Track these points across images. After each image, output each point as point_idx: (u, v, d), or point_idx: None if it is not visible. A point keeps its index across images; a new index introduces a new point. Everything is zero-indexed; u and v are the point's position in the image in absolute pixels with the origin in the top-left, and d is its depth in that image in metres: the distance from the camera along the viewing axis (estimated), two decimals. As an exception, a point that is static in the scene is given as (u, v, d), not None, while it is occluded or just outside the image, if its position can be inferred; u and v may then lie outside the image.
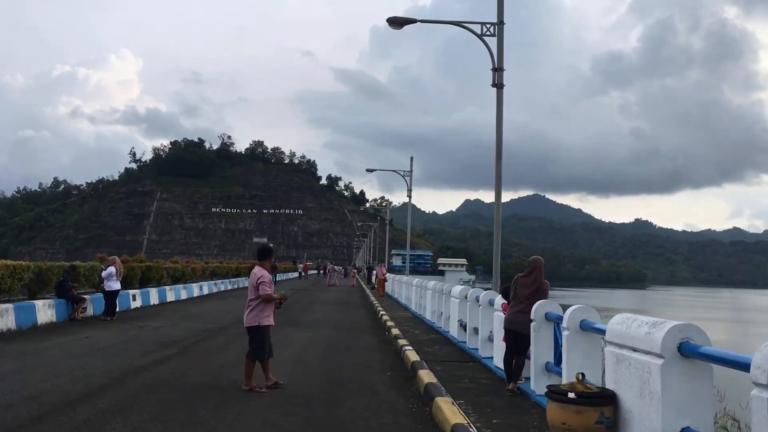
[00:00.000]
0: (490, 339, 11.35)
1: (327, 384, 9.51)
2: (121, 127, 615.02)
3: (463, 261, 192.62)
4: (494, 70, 13.99)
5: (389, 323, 18.46)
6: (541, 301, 8.11)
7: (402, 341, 14.04)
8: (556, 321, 7.78)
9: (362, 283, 57.79)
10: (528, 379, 8.48)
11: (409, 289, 25.89)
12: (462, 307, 13.78)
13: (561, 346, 7.36)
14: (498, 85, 13.96)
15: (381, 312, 22.68)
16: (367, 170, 39.82)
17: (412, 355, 11.70)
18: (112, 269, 18.55)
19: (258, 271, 9.12)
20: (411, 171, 35.26)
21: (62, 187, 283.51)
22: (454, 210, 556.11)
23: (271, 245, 10.05)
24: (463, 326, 13.77)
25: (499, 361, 10.11)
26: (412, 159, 35.47)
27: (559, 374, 7.49)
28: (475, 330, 12.63)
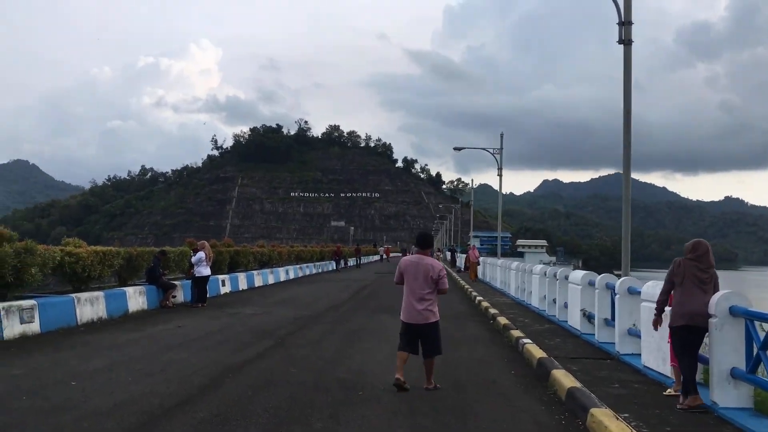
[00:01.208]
0: (631, 333, 9.82)
1: (448, 384, 8.26)
2: (203, 115, 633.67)
3: (543, 242, 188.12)
4: (621, 24, 12.27)
5: (491, 310, 17.10)
6: (723, 292, 6.55)
7: (515, 332, 12.67)
8: (747, 317, 6.23)
9: (446, 266, 56.46)
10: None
11: (506, 273, 24.36)
12: (586, 294, 12.24)
13: (758, 347, 5.85)
14: (625, 42, 12.25)
15: (478, 298, 21.31)
16: (455, 149, 38.02)
17: (535, 350, 10.32)
18: (201, 254, 17.90)
19: (431, 261, 8.05)
20: (501, 148, 33.50)
21: (149, 174, 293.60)
22: (531, 191, 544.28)
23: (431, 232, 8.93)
24: (586, 316, 12.25)
25: (650, 361, 8.60)
26: (502, 135, 33.66)
27: (753, 383, 5.98)
28: (606, 321, 11.11)
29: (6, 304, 11.17)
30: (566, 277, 14.12)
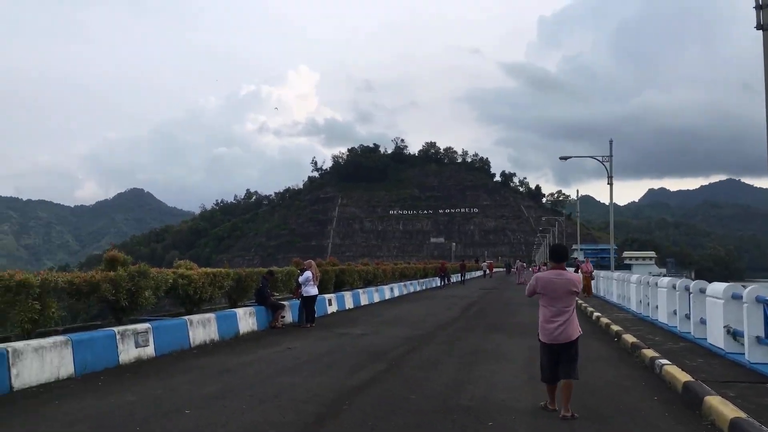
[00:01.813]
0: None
1: (585, 413, 7.38)
2: (303, 138, 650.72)
3: (652, 254, 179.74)
4: (758, 8, 11.03)
5: (614, 327, 15.89)
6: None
7: (648, 351, 11.53)
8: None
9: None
10: None
11: (624, 287, 22.85)
12: (730, 308, 10.93)
13: None
14: (764, 27, 10.97)
15: (595, 314, 20.02)
16: (561, 158, 36.54)
17: (678, 373, 9.21)
18: (308, 274, 17.68)
19: (570, 275, 7.50)
20: (611, 155, 31.81)
21: (254, 198, 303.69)
22: (636, 200, 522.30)
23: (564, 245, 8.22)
24: (731, 333, 10.94)
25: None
26: (611, 142, 31.96)
27: None
28: (758, 339, 9.83)
29: (122, 328, 11.19)
30: (702, 290, 12.80)
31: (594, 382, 9.44)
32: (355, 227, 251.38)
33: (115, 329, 11.02)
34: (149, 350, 11.73)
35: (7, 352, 8.63)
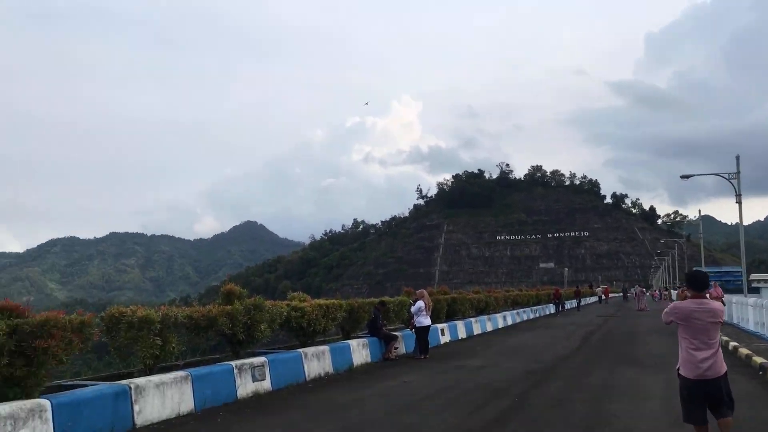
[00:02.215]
0: None
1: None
2: (407, 166, 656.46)
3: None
4: None
5: (756, 359, 14.43)
6: None
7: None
8: None
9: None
10: None
11: (763, 313, 20.93)
12: None
13: None
14: None
15: (732, 343, 18.35)
16: (682, 177, 34.44)
17: None
18: (420, 304, 17.27)
19: (714, 305, 6.72)
20: (738, 172, 29.60)
21: (361, 227, 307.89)
22: (762, 219, 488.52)
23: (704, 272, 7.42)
24: None
25: None
26: (738, 158, 29.73)
27: None
28: None
29: (239, 362, 11.15)
30: None
31: (751, 422, 8.42)
32: (462, 254, 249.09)
33: (233, 363, 10.99)
34: (266, 384, 11.63)
35: (130, 388, 8.70)
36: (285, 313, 12.93)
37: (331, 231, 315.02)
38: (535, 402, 10.34)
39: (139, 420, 8.72)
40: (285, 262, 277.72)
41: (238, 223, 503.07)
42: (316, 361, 13.54)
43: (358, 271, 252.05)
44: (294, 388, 12.18)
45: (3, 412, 6.86)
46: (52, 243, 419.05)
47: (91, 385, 8.79)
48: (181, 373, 9.77)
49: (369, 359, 15.96)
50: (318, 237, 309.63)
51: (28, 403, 7.20)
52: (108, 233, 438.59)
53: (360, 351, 15.64)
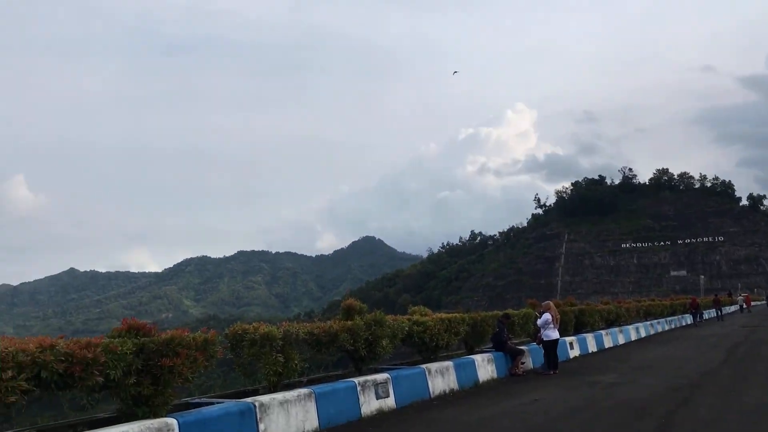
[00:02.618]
0: None
1: None
2: (524, 176, 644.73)
3: None
4: None
5: None
6: None
7: None
8: None
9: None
10: None
11: None
12: None
13: None
14: None
15: None
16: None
17: None
18: (547, 316, 16.42)
19: None
20: None
21: (478, 239, 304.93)
22: None
23: None
24: None
25: None
26: None
27: None
28: None
29: (362, 378, 10.89)
30: None
31: None
32: (585, 263, 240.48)
33: (356, 380, 10.74)
34: (390, 402, 11.30)
35: (255, 406, 8.60)
36: (406, 328, 12.58)
37: (448, 243, 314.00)
38: (684, 424, 9.35)
39: (265, 439, 8.60)
40: (403, 275, 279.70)
41: (357, 239, 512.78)
42: (440, 378, 13.08)
43: (477, 284, 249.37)
44: (418, 405, 11.77)
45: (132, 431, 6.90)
46: (187, 262, 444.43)
47: (218, 402, 8.78)
48: (304, 391, 9.61)
49: (495, 375, 15.31)
50: (435, 250, 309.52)
51: (156, 422, 7.22)
52: (236, 252, 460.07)
53: (485, 366, 15.03)
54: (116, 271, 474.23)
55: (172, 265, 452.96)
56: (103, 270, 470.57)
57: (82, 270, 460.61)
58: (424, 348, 13.56)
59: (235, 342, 9.60)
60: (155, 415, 7.44)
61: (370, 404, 10.79)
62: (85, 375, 6.46)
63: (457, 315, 14.56)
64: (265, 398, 8.90)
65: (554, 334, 16.42)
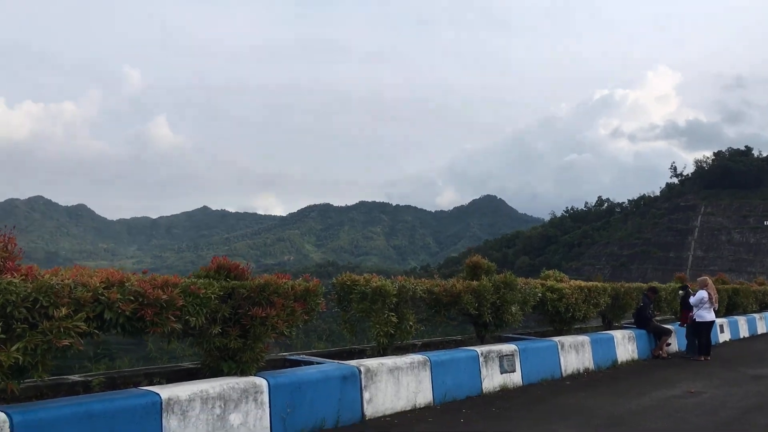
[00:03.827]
0: None
1: None
2: (660, 142, 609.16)
3: None
4: None
5: None
6: None
7: None
8: None
9: None
10: None
11: None
12: None
13: None
14: None
15: None
16: None
17: None
18: (703, 294, 14.10)
19: None
20: None
21: (605, 205, 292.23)
22: None
23: None
24: None
25: None
26: None
27: None
28: None
29: (485, 348, 9.37)
30: None
31: None
32: (722, 239, 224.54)
33: (478, 349, 9.24)
34: (515, 377, 9.74)
35: (360, 371, 7.31)
36: (540, 294, 10.87)
37: (572, 208, 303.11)
38: None
39: (369, 410, 7.31)
40: (524, 237, 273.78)
41: (477, 197, 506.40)
42: (574, 354, 11.32)
43: (600, 251, 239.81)
44: (548, 385, 10.13)
45: (212, 391, 5.76)
46: (310, 209, 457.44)
47: (318, 362, 7.56)
48: (418, 357, 8.22)
49: (635, 355, 13.32)
50: (558, 213, 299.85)
51: (242, 382, 6.06)
52: (357, 202, 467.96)
53: (625, 345, 13.07)
54: (244, 212, 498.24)
55: (296, 210, 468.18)
56: (232, 210, 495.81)
57: (213, 208, 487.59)
58: (558, 319, 11.79)
59: (342, 294, 8.33)
60: (243, 373, 6.29)
61: (492, 378, 9.28)
62: (158, 320, 5.33)
63: (597, 284, 12.63)
64: (372, 362, 7.59)
65: (710, 315, 14.10)
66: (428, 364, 8.24)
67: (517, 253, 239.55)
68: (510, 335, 11.20)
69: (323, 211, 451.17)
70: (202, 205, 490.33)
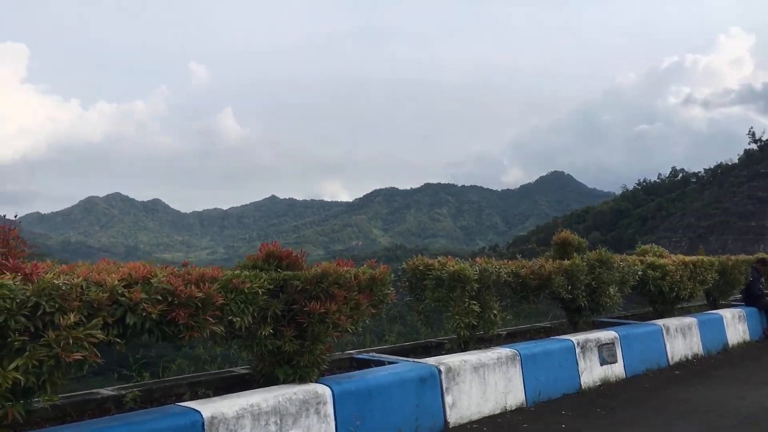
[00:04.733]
0: None
1: None
2: (736, 107, 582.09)
3: None
4: None
5: None
6: None
7: None
8: None
9: None
10: None
11: None
12: None
13: None
14: None
15: None
16: None
17: None
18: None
19: None
20: None
21: (680, 176, 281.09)
22: None
23: None
24: None
25: None
26: None
27: None
28: None
29: (581, 337, 8.12)
30: None
31: None
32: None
33: (573, 339, 8.00)
34: (617, 369, 8.46)
35: (440, 371, 6.22)
36: (640, 272, 9.50)
37: (645, 180, 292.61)
38: None
39: (452, 417, 6.21)
40: (594, 212, 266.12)
41: (544, 174, 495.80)
42: (681, 339, 9.91)
43: (676, 224, 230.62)
44: (654, 376, 8.81)
45: (264, 405, 4.77)
46: (376, 193, 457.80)
47: (390, 362, 6.51)
48: (506, 351, 7.07)
49: (747, 337, 11.77)
50: (630, 187, 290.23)
51: (300, 391, 5.06)
52: (423, 184, 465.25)
53: (735, 325, 11.53)
54: (311, 200, 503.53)
55: (361, 195, 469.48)
56: (299, 198, 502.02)
57: (281, 197, 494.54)
58: (660, 299, 10.37)
59: (414, 281, 7.24)
60: (301, 379, 5.29)
61: (591, 372, 8.03)
62: (193, 323, 4.36)
63: (702, 258, 11.08)
64: (453, 360, 6.48)
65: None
66: (518, 358, 7.08)
67: (587, 228, 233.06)
68: (605, 320, 9.88)
69: (389, 194, 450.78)
70: (270, 195, 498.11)
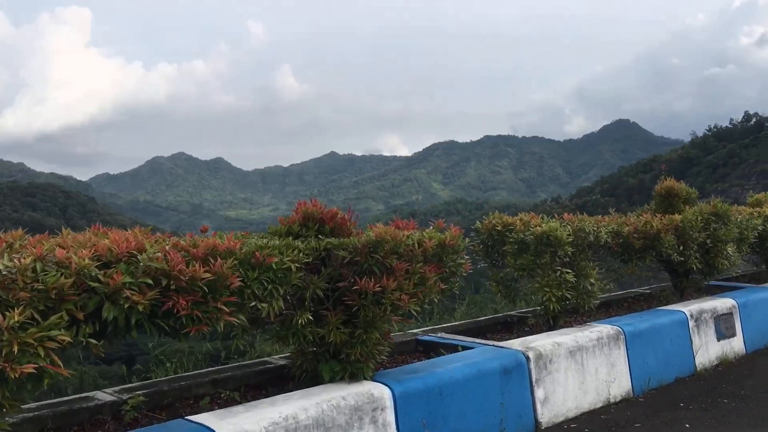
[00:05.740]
0: None
1: None
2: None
3: None
4: None
5: None
6: None
7: None
8: None
9: None
10: None
11: None
12: None
13: None
14: None
15: None
16: None
17: None
18: None
19: None
20: None
21: (753, 120, 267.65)
22: None
23: None
24: None
25: None
26: None
27: None
28: None
29: (693, 307, 6.67)
30: None
31: None
32: None
33: (685, 310, 6.56)
34: (736, 344, 7.01)
35: (528, 359, 4.92)
36: (760, 227, 7.90)
37: (716, 126, 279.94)
38: None
39: (545, 415, 4.94)
40: (661, 161, 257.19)
41: (608, 122, 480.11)
42: (806, 306, 8.32)
43: (749, 170, 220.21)
44: (778, 351, 7.32)
45: (303, 416, 3.59)
46: (435, 147, 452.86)
47: (463, 346, 5.24)
48: (607, 329, 5.71)
49: None
50: (700, 133, 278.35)
51: (351, 395, 3.87)
52: (482, 136, 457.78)
53: None
54: (371, 155, 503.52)
55: (421, 149, 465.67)
56: (359, 153, 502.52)
57: (341, 153, 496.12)
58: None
59: (491, 244, 5.91)
60: (352, 377, 4.10)
61: (708, 349, 6.60)
62: (200, 313, 3.17)
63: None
64: (543, 343, 5.17)
65: None
66: (621, 337, 5.72)
67: (654, 178, 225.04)
68: (714, 283, 8.35)
69: (448, 148, 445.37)
70: (329, 151, 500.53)
